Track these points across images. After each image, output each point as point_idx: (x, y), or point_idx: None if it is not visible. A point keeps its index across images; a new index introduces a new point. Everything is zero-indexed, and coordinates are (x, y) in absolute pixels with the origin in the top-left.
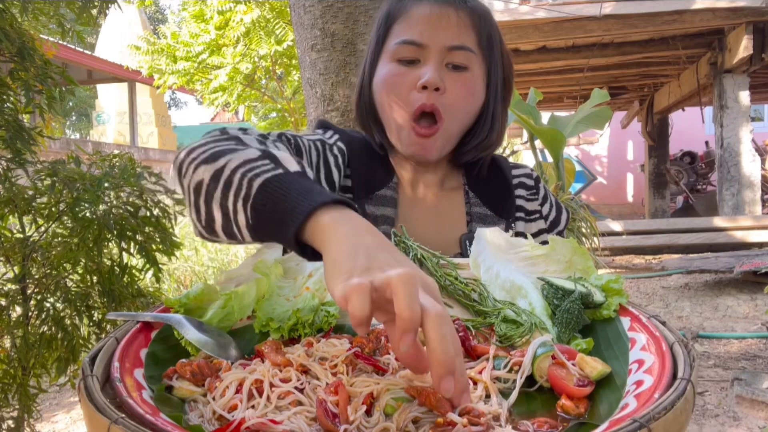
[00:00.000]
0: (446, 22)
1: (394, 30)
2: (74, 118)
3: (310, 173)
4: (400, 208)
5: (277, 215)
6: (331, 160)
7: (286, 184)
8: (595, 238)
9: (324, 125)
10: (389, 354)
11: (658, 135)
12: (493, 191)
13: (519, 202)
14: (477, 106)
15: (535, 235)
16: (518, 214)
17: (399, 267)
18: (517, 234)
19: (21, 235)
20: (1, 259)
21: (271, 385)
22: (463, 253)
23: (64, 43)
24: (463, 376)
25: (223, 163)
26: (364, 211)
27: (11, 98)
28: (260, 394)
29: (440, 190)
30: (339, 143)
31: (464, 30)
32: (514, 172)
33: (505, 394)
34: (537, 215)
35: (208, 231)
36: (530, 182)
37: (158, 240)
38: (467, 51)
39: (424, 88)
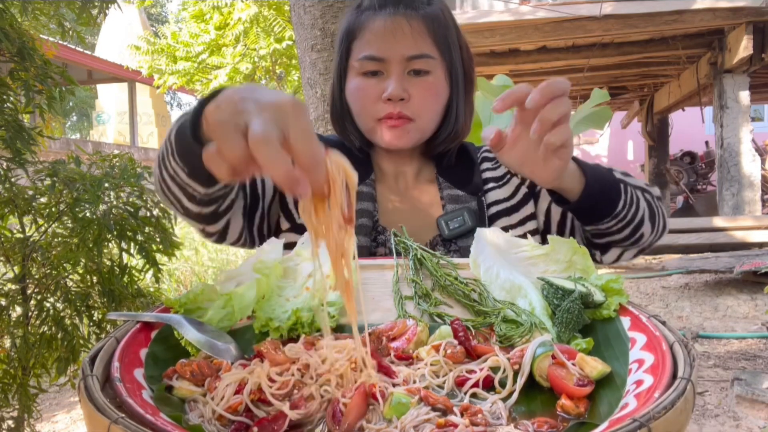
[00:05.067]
0: (401, 34)
1: (354, 46)
2: (74, 118)
3: None
4: (380, 201)
5: (182, 132)
6: None
7: (184, 117)
8: None
9: None
10: (390, 354)
11: (658, 135)
12: (462, 172)
13: (486, 174)
14: (443, 104)
15: (514, 194)
16: (488, 186)
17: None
18: (494, 203)
19: (21, 235)
20: (1, 259)
21: (270, 380)
22: (441, 234)
23: (64, 43)
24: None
25: (156, 157)
26: None
27: (11, 98)
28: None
29: (416, 182)
30: None
31: (420, 38)
32: (480, 151)
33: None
34: (508, 176)
35: (188, 213)
36: (491, 154)
37: (158, 240)
38: (426, 58)
39: (389, 99)
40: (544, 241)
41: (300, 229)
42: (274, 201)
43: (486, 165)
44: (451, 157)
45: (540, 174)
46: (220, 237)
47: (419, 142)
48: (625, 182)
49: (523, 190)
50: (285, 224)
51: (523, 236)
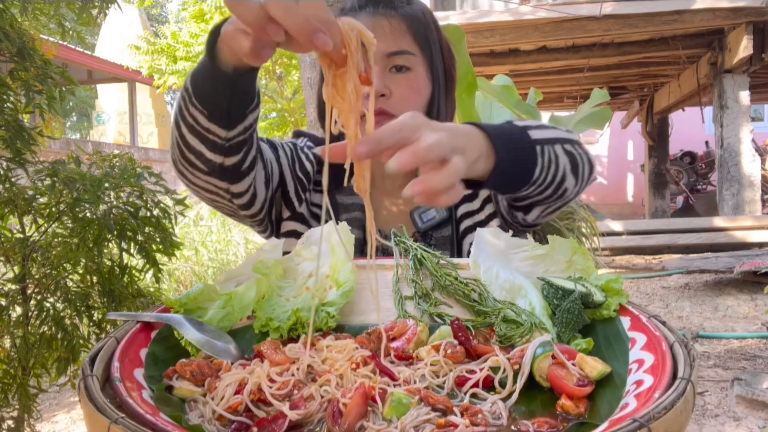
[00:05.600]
0: (381, 32)
1: None
2: (74, 118)
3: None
4: (372, 194)
5: (199, 69)
6: (303, 156)
7: (201, 58)
8: (595, 238)
9: (297, 134)
10: (390, 354)
11: (658, 135)
12: None
13: None
14: (424, 101)
15: None
16: None
17: None
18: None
19: (21, 235)
20: (1, 259)
21: (270, 380)
22: (415, 226)
23: (64, 43)
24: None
25: (173, 117)
26: (336, 201)
27: (11, 98)
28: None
29: (403, 178)
30: (309, 143)
31: (400, 35)
32: None
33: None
34: None
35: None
36: None
37: (158, 240)
38: (406, 54)
39: None
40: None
41: (300, 217)
42: (278, 190)
43: None
44: None
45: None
46: (248, 203)
47: None
48: (540, 142)
49: None
50: (286, 212)
51: (486, 221)
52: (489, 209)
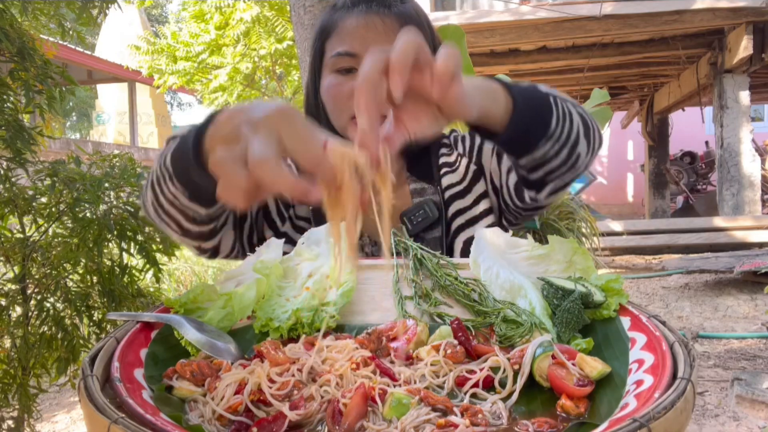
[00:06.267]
0: (374, 31)
1: (329, 44)
2: (74, 118)
3: None
4: None
5: (181, 158)
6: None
7: (181, 140)
8: (595, 238)
9: None
10: (390, 355)
11: (658, 135)
12: (425, 164)
13: (442, 159)
14: None
15: (465, 175)
16: (443, 171)
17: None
18: (448, 187)
19: (21, 235)
20: (1, 259)
21: (270, 381)
22: (406, 228)
23: (64, 43)
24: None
25: (146, 184)
26: (321, 210)
27: (11, 98)
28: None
29: (395, 180)
30: None
31: (393, 34)
32: (441, 138)
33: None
34: (457, 161)
35: (187, 233)
36: (447, 140)
37: (158, 240)
38: None
39: None
40: (500, 221)
41: (283, 236)
42: (260, 211)
43: (443, 151)
44: (420, 154)
45: (455, 111)
46: (214, 252)
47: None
48: (554, 96)
49: (472, 168)
50: (268, 233)
51: (480, 217)
52: (484, 204)
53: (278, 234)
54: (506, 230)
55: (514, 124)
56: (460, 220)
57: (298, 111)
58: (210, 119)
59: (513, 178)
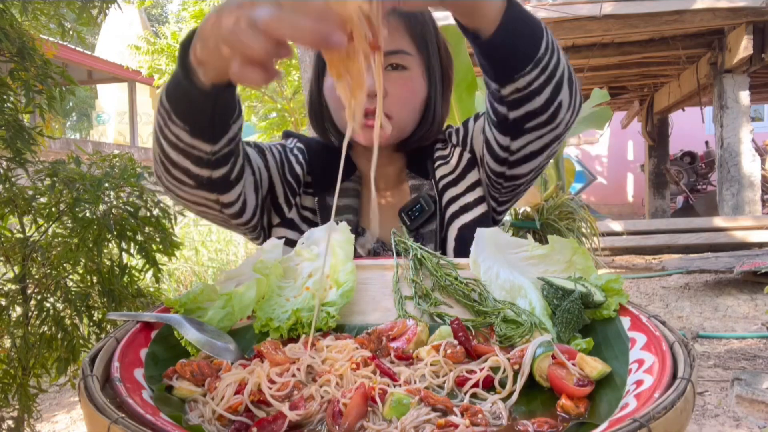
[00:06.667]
0: None
1: None
2: (74, 118)
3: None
4: (363, 198)
5: (176, 87)
6: (293, 158)
7: (173, 74)
8: (595, 238)
9: (287, 134)
10: (390, 355)
11: (658, 135)
12: (421, 163)
13: (437, 153)
14: (420, 101)
15: (458, 163)
16: (438, 163)
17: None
18: (442, 178)
19: (21, 235)
20: (1, 259)
21: (270, 381)
22: (404, 224)
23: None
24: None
25: (153, 142)
26: (326, 203)
27: (11, 98)
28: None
29: (394, 181)
30: (299, 144)
31: (398, 35)
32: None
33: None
34: (451, 152)
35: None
36: (442, 136)
37: (158, 240)
38: (403, 54)
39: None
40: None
41: (290, 224)
42: (267, 196)
43: (438, 146)
44: (420, 151)
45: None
46: (240, 211)
47: (397, 139)
48: (544, 25)
49: (466, 156)
50: (275, 219)
51: (473, 205)
52: (477, 193)
53: (284, 220)
54: (496, 222)
55: (504, 27)
56: (453, 207)
57: None
58: (192, 33)
59: (490, 132)
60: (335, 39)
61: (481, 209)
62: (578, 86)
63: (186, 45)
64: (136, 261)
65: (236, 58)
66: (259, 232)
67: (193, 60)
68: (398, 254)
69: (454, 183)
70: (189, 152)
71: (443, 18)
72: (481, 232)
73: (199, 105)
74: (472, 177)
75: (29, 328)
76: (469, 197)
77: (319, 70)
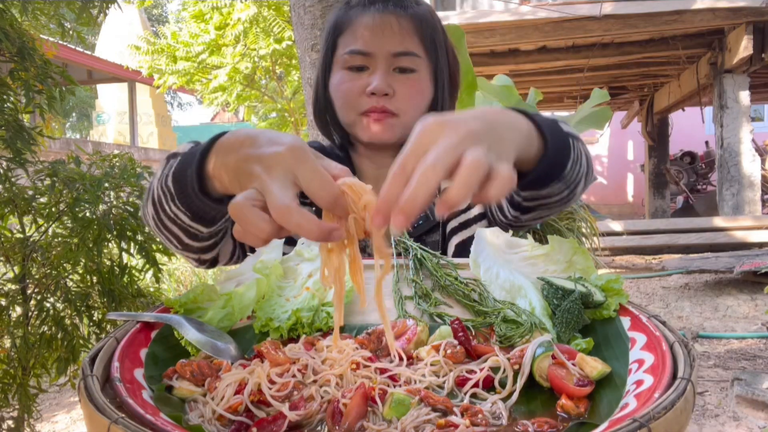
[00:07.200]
0: (389, 31)
1: (341, 40)
2: (74, 118)
3: None
4: None
5: (182, 181)
6: None
7: (182, 161)
8: (595, 238)
9: None
10: (390, 355)
11: (658, 135)
12: None
13: None
14: (426, 104)
15: None
16: None
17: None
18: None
19: (21, 235)
20: (1, 259)
21: (270, 381)
22: (409, 233)
23: (64, 43)
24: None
25: (146, 197)
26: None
27: (11, 98)
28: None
29: None
30: None
31: (407, 36)
32: None
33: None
34: None
35: (187, 248)
36: None
37: (158, 240)
38: (412, 56)
39: (373, 94)
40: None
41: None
42: None
43: None
44: None
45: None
46: (213, 262)
47: (402, 139)
48: (572, 136)
49: None
50: None
51: (473, 221)
52: (477, 209)
53: None
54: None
55: (541, 165)
56: (453, 223)
57: (307, 146)
58: (212, 143)
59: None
60: (336, 236)
61: (480, 225)
62: (592, 168)
63: (204, 149)
64: (136, 261)
65: (241, 224)
66: (237, 261)
67: (206, 167)
68: (398, 254)
69: None
70: (186, 229)
71: (443, 18)
72: (481, 232)
73: (206, 205)
74: None
75: (29, 328)
76: (470, 214)
77: (327, 66)
